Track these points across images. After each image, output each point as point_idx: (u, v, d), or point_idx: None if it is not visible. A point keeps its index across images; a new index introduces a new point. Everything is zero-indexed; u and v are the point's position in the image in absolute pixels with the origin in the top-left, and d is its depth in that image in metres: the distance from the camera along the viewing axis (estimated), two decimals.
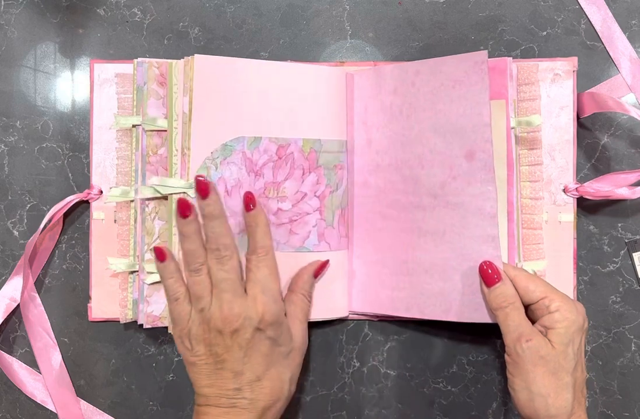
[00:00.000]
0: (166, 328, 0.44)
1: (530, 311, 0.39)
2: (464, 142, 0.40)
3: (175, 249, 0.43)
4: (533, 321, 0.38)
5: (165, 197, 0.44)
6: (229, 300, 0.38)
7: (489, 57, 0.47)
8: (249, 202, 0.41)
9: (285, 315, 0.41)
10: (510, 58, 0.43)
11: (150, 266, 0.44)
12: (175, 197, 0.43)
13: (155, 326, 0.44)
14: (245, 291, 0.39)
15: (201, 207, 0.39)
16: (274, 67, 0.44)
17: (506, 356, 0.38)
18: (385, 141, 0.44)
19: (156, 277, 0.44)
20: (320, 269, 0.44)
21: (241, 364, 0.38)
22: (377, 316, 0.47)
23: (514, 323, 0.37)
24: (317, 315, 0.44)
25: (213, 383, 0.38)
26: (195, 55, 0.43)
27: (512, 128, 0.42)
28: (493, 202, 0.40)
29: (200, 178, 0.39)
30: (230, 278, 0.39)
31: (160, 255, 0.40)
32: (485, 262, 0.39)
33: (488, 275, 0.39)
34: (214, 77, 0.43)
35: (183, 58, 0.44)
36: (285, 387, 0.39)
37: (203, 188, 0.39)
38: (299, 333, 0.41)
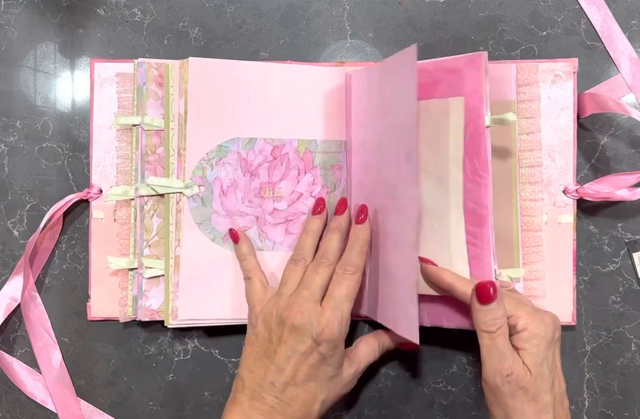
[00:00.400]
0: (166, 328, 0.44)
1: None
2: (404, 141, 0.38)
3: (172, 247, 0.44)
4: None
5: (163, 195, 0.45)
6: (305, 300, 0.39)
7: (490, 58, 0.47)
8: (361, 214, 0.42)
9: (345, 344, 0.40)
10: (485, 52, 0.40)
11: (149, 261, 0.44)
12: (172, 196, 0.44)
13: (153, 319, 0.45)
14: (322, 300, 0.40)
15: (333, 218, 0.43)
16: (269, 68, 0.45)
17: (483, 383, 0.36)
18: (372, 141, 0.43)
19: (154, 272, 0.44)
20: (405, 346, 0.44)
21: (286, 364, 0.38)
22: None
23: (497, 351, 0.35)
24: None
25: (256, 369, 0.39)
26: (190, 58, 0.44)
27: (487, 126, 0.39)
28: (414, 206, 0.37)
29: (343, 198, 0.44)
30: (316, 283, 0.40)
31: (234, 236, 0.44)
32: (487, 281, 0.36)
33: (485, 291, 0.36)
34: (208, 79, 0.44)
35: (183, 58, 0.45)
36: (316, 406, 0.39)
37: (342, 206, 0.43)
38: (350, 369, 0.41)
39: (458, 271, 0.40)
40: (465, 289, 0.38)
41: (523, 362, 0.35)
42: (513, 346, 0.36)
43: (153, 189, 0.44)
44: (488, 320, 0.36)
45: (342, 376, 0.40)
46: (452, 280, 0.39)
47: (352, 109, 0.46)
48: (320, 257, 0.41)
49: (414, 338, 0.37)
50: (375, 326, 0.47)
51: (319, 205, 0.44)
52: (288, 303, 0.39)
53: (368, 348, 0.42)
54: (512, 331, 0.36)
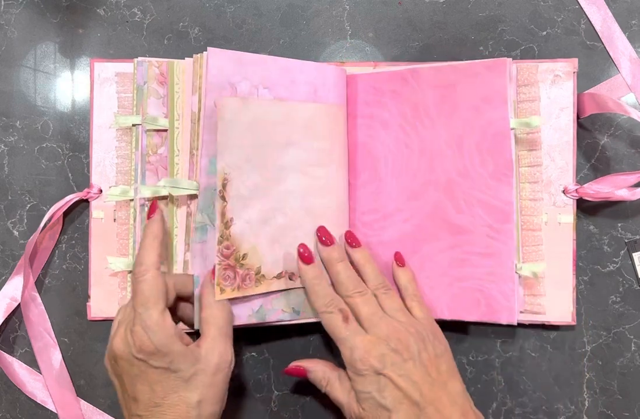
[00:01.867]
0: None
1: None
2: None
3: (179, 251, 0.43)
4: None
5: (164, 197, 0.44)
6: (118, 332, 0.38)
7: (490, 58, 0.47)
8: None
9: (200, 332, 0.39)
10: (510, 59, 0.43)
11: None
12: (179, 198, 0.43)
13: None
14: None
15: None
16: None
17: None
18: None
19: None
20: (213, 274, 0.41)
21: (135, 391, 0.37)
22: None
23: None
24: (313, 316, 0.44)
25: (123, 405, 0.38)
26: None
27: (512, 128, 0.42)
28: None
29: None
30: (136, 311, 0.37)
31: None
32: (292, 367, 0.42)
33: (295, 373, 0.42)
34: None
35: (183, 58, 0.44)
36: (192, 412, 0.36)
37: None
38: (210, 352, 0.38)
39: None
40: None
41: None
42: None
43: (156, 191, 0.43)
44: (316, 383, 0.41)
45: (203, 367, 0.37)
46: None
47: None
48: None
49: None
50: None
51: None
52: (111, 340, 0.39)
53: (210, 319, 0.39)
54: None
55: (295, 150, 0.43)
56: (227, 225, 0.40)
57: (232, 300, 0.41)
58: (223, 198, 0.40)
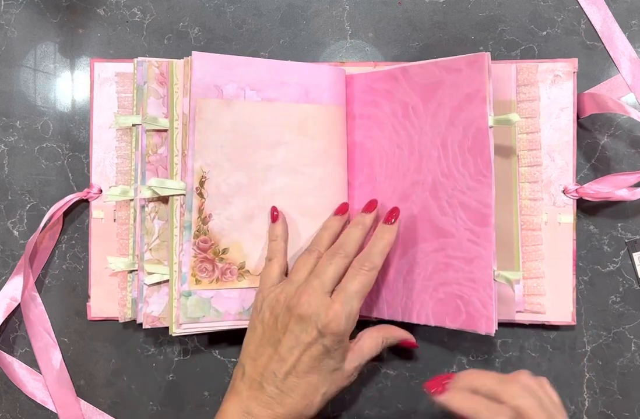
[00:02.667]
0: (166, 328, 0.44)
1: None
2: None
3: (177, 251, 0.43)
4: None
5: (165, 197, 0.44)
6: (314, 290, 0.38)
7: (491, 58, 0.47)
8: (392, 214, 0.42)
9: (350, 339, 0.40)
10: (488, 53, 0.40)
11: (151, 266, 0.44)
12: (177, 198, 0.43)
13: (155, 326, 0.44)
14: (332, 292, 0.39)
15: (358, 215, 0.43)
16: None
17: None
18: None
19: (156, 278, 0.44)
20: (405, 344, 0.44)
21: (289, 353, 0.38)
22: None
23: None
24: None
25: (258, 357, 0.39)
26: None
27: (490, 127, 0.40)
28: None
29: (373, 199, 0.43)
30: (328, 274, 0.39)
31: (274, 217, 0.43)
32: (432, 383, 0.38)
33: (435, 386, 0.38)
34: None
35: (183, 58, 0.44)
36: (316, 399, 0.38)
37: (371, 205, 0.43)
38: (352, 363, 0.40)
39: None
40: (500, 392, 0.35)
41: None
42: None
43: (154, 191, 0.43)
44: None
45: (345, 370, 0.40)
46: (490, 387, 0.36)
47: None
48: (336, 248, 0.41)
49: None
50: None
51: (343, 208, 0.44)
52: (297, 291, 0.39)
53: (372, 342, 0.42)
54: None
55: (286, 150, 0.44)
56: (204, 220, 0.43)
57: (225, 296, 0.43)
58: (200, 195, 0.43)
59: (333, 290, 0.39)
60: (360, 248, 0.41)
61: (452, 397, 0.36)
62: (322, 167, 0.45)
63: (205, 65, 0.43)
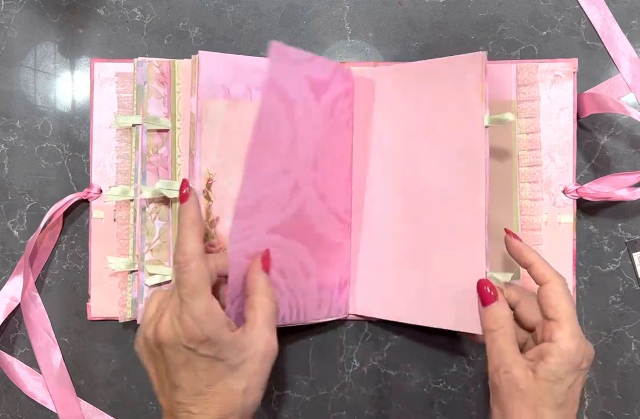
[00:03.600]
0: None
1: (538, 328, 0.37)
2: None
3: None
4: (537, 342, 0.36)
5: (166, 198, 0.44)
6: (167, 316, 0.36)
7: (490, 58, 0.47)
8: (184, 196, 0.38)
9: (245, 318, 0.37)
10: (484, 52, 0.39)
11: (151, 267, 0.44)
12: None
13: None
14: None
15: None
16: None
17: (489, 381, 0.36)
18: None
19: (157, 279, 0.44)
20: (266, 262, 0.39)
21: (178, 379, 0.35)
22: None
23: (497, 350, 0.35)
24: (316, 316, 0.44)
25: (161, 392, 0.37)
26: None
27: (486, 126, 0.39)
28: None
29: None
30: (177, 296, 0.36)
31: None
32: (483, 280, 0.38)
33: (485, 293, 0.37)
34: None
35: (183, 58, 0.44)
36: (238, 400, 0.35)
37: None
38: (257, 339, 0.36)
39: None
40: (542, 271, 0.37)
41: (536, 372, 0.34)
42: (538, 354, 0.35)
43: (157, 192, 0.42)
44: (490, 320, 0.36)
45: (251, 354, 0.36)
46: (533, 259, 0.38)
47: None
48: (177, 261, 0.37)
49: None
50: (375, 326, 0.47)
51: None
52: (157, 324, 0.36)
53: (257, 305, 0.37)
54: (547, 336, 0.35)
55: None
56: (212, 224, 0.42)
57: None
58: (207, 198, 0.42)
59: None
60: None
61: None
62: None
63: (211, 64, 0.42)
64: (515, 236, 0.39)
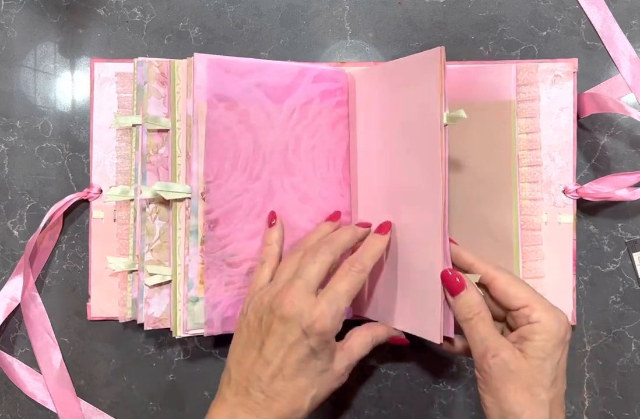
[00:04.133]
0: (167, 329, 0.44)
1: (510, 318, 0.36)
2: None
3: (180, 249, 0.43)
4: (512, 329, 0.36)
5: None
6: (297, 290, 0.36)
7: (490, 58, 0.47)
8: (384, 226, 0.41)
9: (339, 340, 0.39)
10: (442, 48, 0.38)
11: (152, 267, 0.44)
12: (179, 200, 0.43)
13: (156, 327, 0.44)
14: (318, 292, 0.37)
15: (353, 226, 0.42)
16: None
17: (475, 372, 0.35)
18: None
19: (157, 279, 0.44)
20: (395, 341, 0.42)
21: (273, 356, 0.36)
22: None
23: (479, 336, 0.35)
24: None
25: (243, 360, 0.37)
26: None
27: (445, 125, 0.37)
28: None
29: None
30: (311, 272, 0.37)
31: (271, 218, 0.43)
32: (446, 270, 0.37)
33: (451, 282, 0.36)
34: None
35: (183, 58, 0.44)
36: (305, 403, 0.36)
37: (368, 224, 0.42)
38: (342, 363, 0.38)
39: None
40: (484, 270, 0.37)
41: (524, 352, 0.34)
42: (520, 336, 0.35)
43: (159, 194, 0.42)
44: (464, 309, 0.36)
45: (334, 370, 0.38)
46: (472, 261, 0.38)
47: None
48: (321, 244, 0.39)
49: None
50: None
51: (336, 215, 0.44)
52: (280, 291, 0.37)
53: (361, 341, 0.40)
54: (524, 321, 0.35)
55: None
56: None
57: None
58: (205, 200, 0.42)
59: (319, 290, 0.38)
60: (347, 253, 0.40)
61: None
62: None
63: (207, 66, 0.42)
64: (452, 241, 0.39)
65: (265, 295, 0.38)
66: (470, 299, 0.36)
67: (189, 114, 0.42)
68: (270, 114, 0.43)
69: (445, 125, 0.37)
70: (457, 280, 0.36)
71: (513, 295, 0.35)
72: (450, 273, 0.37)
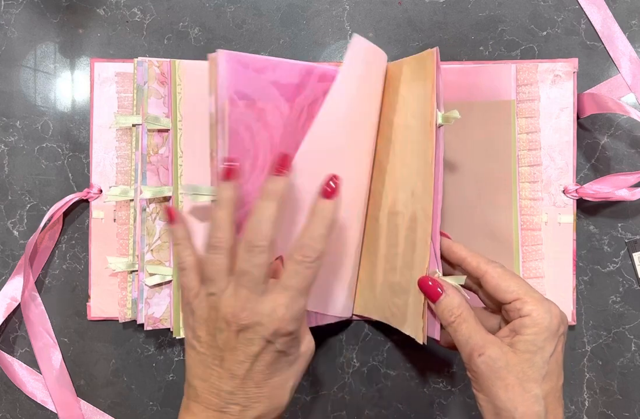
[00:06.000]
0: (167, 329, 0.44)
1: (503, 311, 0.36)
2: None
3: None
4: (507, 322, 0.36)
5: (166, 198, 0.44)
6: (246, 298, 0.33)
7: (490, 58, 0.47)
8: (330, 185, 0.35)
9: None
10: (436, 48, 0.38)
11: (152, 267, 0.44)
12: (180, 200, 0.43)
13: (156, 328, 0.44)
14: (268, 292, 0.34)
15: (269, 179, 0.35)
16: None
17: (467, 373, 0.35)
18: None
19: (157, 279, 0.44)
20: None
21: (241, 369, 0.33)
22: None
23: (463, 338, 0.34)
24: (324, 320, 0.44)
25: (207, 378, 0.34)
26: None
27: (440, 125, 0.38)
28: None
29: (285, 154, 0.36)
30: (255, 277, 0.33)
31: (170, 216, 0.38)
32: (423, 277, 0.37)
33: (430, 290, 0.36)
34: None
35: (183, 58, 0.44)
36: (286, 396, 0.35)
37: (285, 162, 0.35)
38: (306, 338, 0.36)
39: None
40: (476, 264, 0.36)
41: (514, 346, 0.33)
42: (511, 329, 0.34)
43: (157, 194, 0.42)
44: (445, 313, 0.35)
45: (302, 352, 0.36)
46: (464, 254, 0.37)
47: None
48: (252, 240, 0.34)
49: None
50: (376, 326, 0.47)
51: (229, 173, 0.36)
52: (228, 302, 0.34)
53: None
54: (516, 314, 0.34)
55: None
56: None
57: None
58: None
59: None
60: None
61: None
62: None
63: (227, 62, 0.39)
64: (445, 235, 0.38)
65: (212, 309, 0.34)
66: (450, 303, 0.35)
67: (211, 113, 0.40)
68: (283, 113, 0.42)
69: (440, 126, 0.37)
70: (434, 286, 0.36)
71: (504, 288, 0.35)
72: (430, 283, 0.36)
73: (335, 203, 0.35)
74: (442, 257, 0.38)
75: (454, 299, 0.35)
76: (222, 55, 0.39)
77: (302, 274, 0.34)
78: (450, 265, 0.39)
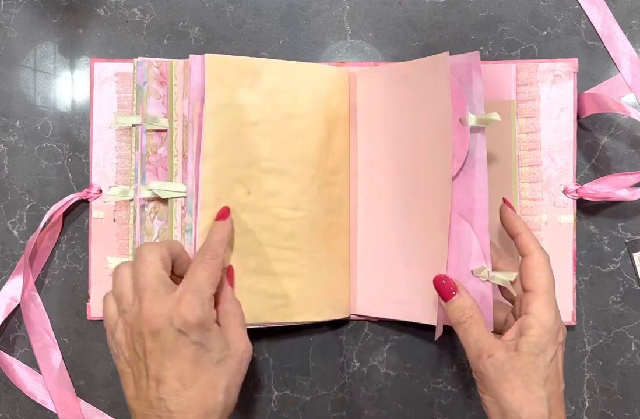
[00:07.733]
0: None
1: (517, 301, 0.37)
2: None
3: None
4: (516, 317, 0.37)
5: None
6: (149, 299, 0.34)
7: (490, 58, 0.47)
8: (223, 214, 0.41)
9: (219, 324, 0.37)
10: (477, 52, 0.38)
11: None
12: (177, 200, 0.43)
13: None
14: (172, 289, 0.36)
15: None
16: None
17: (473, 374, 0.36)
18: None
19: None
20: (230, 279, 0.41)
21: (164, 371, 0.34)
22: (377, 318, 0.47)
23: (473, 339, 0.35)
24: (319, 317, 0.44)
25: (138, 394, 0.35)
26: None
27: (472, 126, 0.38)
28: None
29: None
30: (148, 274, 0.35)
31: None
32: (438, 276, 0.38)
33: (443, 288, 0.37)
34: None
35: (183, 58, 0.44)
36: (219, 397, 0.35)
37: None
38: (239, 338, 0.37)
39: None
40: (527, 243, 0.38)
41: (518, 348, 0.34)
42: (517, 332, 0.35)
43: (155, 193, 0.42)
44: (456, 314, 0.36)
45: (232, 354, 0.36)
46: (521, 230, 0.38)
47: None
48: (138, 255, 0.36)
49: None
50: (376, 326, 0.47)
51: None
52: (135, 315, 0.35)
53: (231, 309, 0.39)
54: (523, 308, 0.36)
55: None
56: None
57: None
58: None
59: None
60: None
61: None
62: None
63: (202, 68, 0.41)
64: (511, 206, 0.40)
65: (125, 328, 0.36)
66: (462, 303, 0.36)
67: (185, 115, 0.42)
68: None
69: (472, 127, 0.38)
70: (448, 285, 0.37)
71: (535, 275, 0.36)
72: (443, 282, 0.37)
73: (224, 222, 0.41)
74: (503, 225, 0.39)
75: (467, 300, 0.36)
76: (195, 61, 0.41)
77: (203, 267, 0.37)
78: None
